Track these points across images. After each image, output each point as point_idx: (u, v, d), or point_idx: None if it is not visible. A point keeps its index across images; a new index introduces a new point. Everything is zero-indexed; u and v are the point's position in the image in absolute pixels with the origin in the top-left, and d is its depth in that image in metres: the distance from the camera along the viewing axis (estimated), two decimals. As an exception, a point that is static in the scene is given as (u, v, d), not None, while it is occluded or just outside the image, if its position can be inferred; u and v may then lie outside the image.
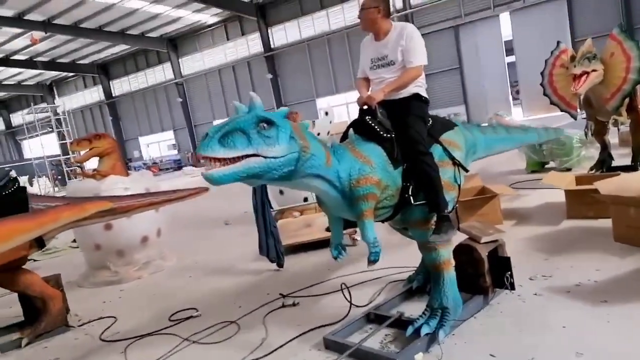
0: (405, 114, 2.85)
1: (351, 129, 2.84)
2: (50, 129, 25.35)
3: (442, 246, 2.80)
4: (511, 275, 3.03)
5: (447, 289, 2.83)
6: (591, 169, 6.25)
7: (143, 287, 5.07)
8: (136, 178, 5.66)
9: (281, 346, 3.00)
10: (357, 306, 3.36)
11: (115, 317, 4.15)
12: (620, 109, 5.22)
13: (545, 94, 5.69)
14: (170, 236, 6.19)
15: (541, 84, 5.69)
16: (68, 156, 24.11)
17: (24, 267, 3.95)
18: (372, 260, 2.58)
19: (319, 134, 7.21)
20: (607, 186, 3.96)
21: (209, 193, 4.71)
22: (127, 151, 37.81)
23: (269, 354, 2.93)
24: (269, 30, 28.71)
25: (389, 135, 2.75)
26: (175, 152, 36.26)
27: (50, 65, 34.08)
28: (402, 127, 2.78)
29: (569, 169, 7.06)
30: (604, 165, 6.12)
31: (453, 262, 2.90)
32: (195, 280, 4.97)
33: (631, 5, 18.56)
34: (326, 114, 7.30)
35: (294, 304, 3.71)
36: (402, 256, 4.20)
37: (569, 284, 3.20)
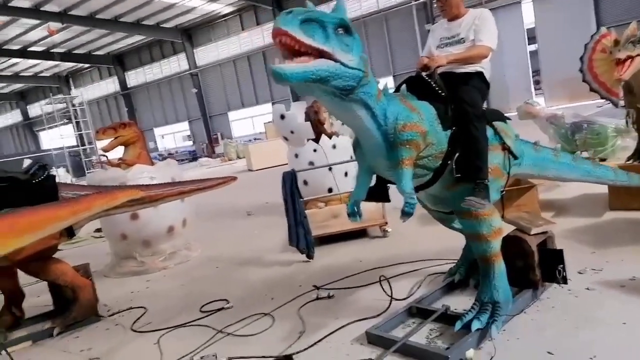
0: (466, 84, 2.77)
1: (403, 86, 2.71)
2: (68, 120, 25.50)
3: (492, 237, 2.65)
4: (564, 269, 2.88)
5: (497, 283, 2.69)
6: (629, 158, 5.98)
7: (170, 277, 5.01)
8: (162, 167, 5.59)
9: (321, 339, 2.90)
10: (397, 299, 3.24)
11: (145, 308, 4.09)
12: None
13: (584, 80, 5.44)
14: (195, 227, 6.13)
15: (580, 70, 5.44)
16: (85, 147, 24.27)
17: (54, 256, 3.90)
18: (407, 212, 2.34)
19: (343, 124, 7.07)
20: (657, 175, 3.76)
21: (242, 181, 4.65)
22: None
23: (310, 347, 2.83)
24: (285, 20, 28.48)
25: (443, 94, 2.64)
26: (190, 143, 36.38)
27: (67, 56, 34.30)
28: (459, 92, 2.67)
29: (603, 160, 6.81)
30: (642, 155, 5.87)
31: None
32: (223, 271, 4.89)
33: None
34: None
35: (329, 296, 3.60)
36: (439, 248, 4.08)
37: (622, 278, 3.04)
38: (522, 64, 21.93)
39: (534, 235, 2.97)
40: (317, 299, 3.61)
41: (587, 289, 2.99)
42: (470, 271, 3.32)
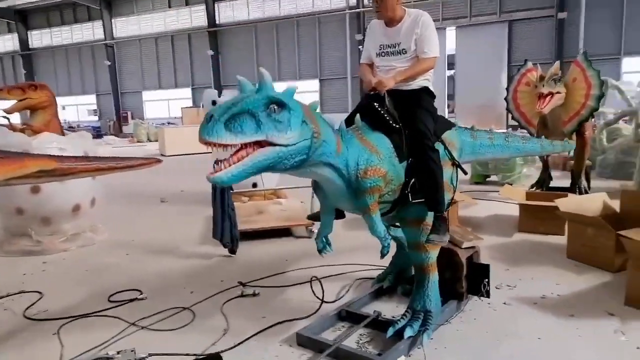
0: (415, 106, 2.72)
1: (358, 115, 2.64)
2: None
3: (432, 248, 2.71)
4: (488, 283, 3.02)
5: (430, 292, 2.75)
6: (532, 186, 6.57)
7: (71, 261, 4.53)
8: (74, 139, 5.06)
9: (247, 339, 2.76)
10: (325, 302, 3.19)
11: (40, 293, 3.64)
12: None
13: (507, 109, 5.87)
14: (102, 208, 5.61)
15: (505, 99, 5.86)
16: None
17: None
18: (385, 253, 2.46)
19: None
20: (566, 204, 4.11)
21: (159, 165, 4.33)
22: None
23: (236, 346, 2.68)
24: (216, 5, 27.58)
25: (398, 126, 2.60)
26: (96, 118, 33.75)
27: (-42, 1, 30.23)
28: (411, 120, 2.64)
29: (510, 184, 7.40)
30: (544, 184, 6.46)
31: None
32: (133, 259, 4.52)
33: (564, 41, 20.09)
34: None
35: (254, 294, 3.46)
36: (363, 254, 4.10)
37: (533, 296, 3.27)
38: (439, 87, 23.27)
39: (464, 248, 3.08)
40: (242, 295, 3.45)
41: (505, 303, 3.17)
42: (398, 279, 3.37)
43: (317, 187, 2.65)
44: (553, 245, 4.37)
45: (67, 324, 3.06)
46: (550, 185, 6.51)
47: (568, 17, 19.90)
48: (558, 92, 5.14)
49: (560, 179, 7.06)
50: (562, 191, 5.78)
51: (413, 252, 2.78)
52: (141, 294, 3.53)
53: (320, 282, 3.32)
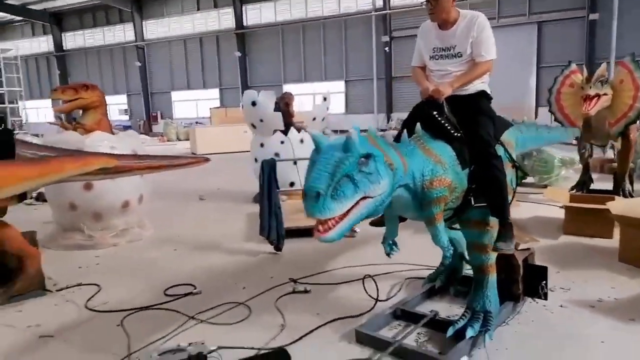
0: (475, 112, 2.71)
1: (418, 124, 2.60)
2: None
3: (491, 248, 2.70)
4: (546, 285, 3.00)
5: (489, 293, 2.75)
6: (572, 188, 6.46)
7: (122, 255, 4.67)
8: (123, 137, 5.20)
9: (307, 334, 2.81)
10: (379, 300, 3.21)
11: (98, 285, 3.77)
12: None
13: (550, 110, 5.80)
14: (147, 205, 5.76)
15: (548, 100, 5.79)
16: (6, 105, 22.13)
17: (2, 219, 3.49)
18: (447, 263, 2.50)
19: (314, 119, 7.00)
20: (617, 207, 4.05)
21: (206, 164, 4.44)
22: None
23: (296, 341, 2.73)
24: (243, 7, 27.88)
25: (458, 135, 2.60)
26: (127, 117, 34.47)
27: (-2, 4, 31.21)
28: (472, 127, 2.63)
29: (545, 186, 7.28)
30: (585, 186, 6.35)
31: (495, 266, 2.83)
32: (181, 255, 4.63)
33: (595, 43, 19.61)
34: (324, 99, 7.09)
35: (305, 291, 3.51)
36: (406, 254, 4.09)
37: (590, 299, 3.22)
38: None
39: (520, 250, 3.07)
40: (294, 292, 3.50)
41: (561, 306, 3.14)
42: (449, 279, 3.37)
43: None
44: (602, 248, 4.30)
45: (128, 316, 3.16)
46: (591, 188, 6.39)
47: (600, 19, 19.40)
48: (605, 94, 5.05)
49: (600, 182, 6.91)
50: (606, 194, 5.68)
51: (473, 253, 2.78)
52: (195, 288, 3.62)
53: (374, 280, 3.35)
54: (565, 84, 5.64)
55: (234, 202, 7.12)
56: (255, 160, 6.83)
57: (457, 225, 2.91)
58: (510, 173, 2.82)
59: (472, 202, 2.59)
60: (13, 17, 34.85)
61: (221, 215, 6.37)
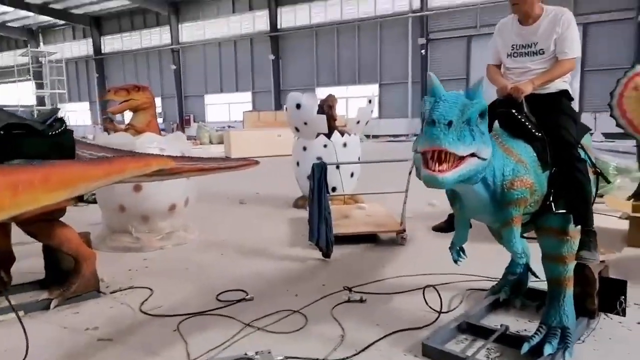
0: (557, 112, 2.57)
1: (496, 121, 2.50)
2: (29, 77, 23.87)
3: (571, 259, 2.54)
4: (625, 300, 2.81)
5: (567, 307, 2.58)
6: (629, 197, 6.13)
7: (169, 258, 4.66)
8: (172, 139, 5.24)
9: (369, 346, 2.70)
10: (441, 312, 3.08)
11: (150, 289, 3.75)
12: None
13: (612, 115, 5.51)
14: (190, 208, 5.77)
15: (609, 104, 5.50)
16: (44, 107, 22.90)
17: (61, 220, 3.51)
18: (518, 272, 2.33)
19: (358, 122, 6.90)
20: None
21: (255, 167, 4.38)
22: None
23: (360, 352, 2.62)
24: (278, 10, 28.06)
25: (540, 134, 2.46)
26: (161, 120, 35.20)
27: (43, 9, 32.37)
28: (554, 128, 2.49)
29: (601, 195, 6.95)
30: (645, 196, 6.01)
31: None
32: (229, 259, 4.59)
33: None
34: (369, 101, 6.98)
35: (361, 300, 3.40)
36: (472, 264, 3.92)
37: (671, 317, 3.00)
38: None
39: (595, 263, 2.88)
40: (349, 301, 3.40)
41: (639, 323, 2.93)
42: (514, 291, 3.21)
43: (453, 199, 2.54)
44: (673, 262, 4.04)
45: (184, 321, 3.12)
46: (652, 197, 6.05)
47: (650, 20, 18.66)
48: (674, 98, 4.77)
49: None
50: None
51: (551, 264, 2.61)
52: (247, 294, 3.56)
53: (438, 291, 3.21)
54: (629, 87, 5.34)
55: (275, 207, 7.08)
56: (298, 164, 6.78)
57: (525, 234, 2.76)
58: (592, 179, 2.65)
59: (553, 208, 2.43)
60: (56, 21, 36.14)
61: (263, 220, 6.33)
